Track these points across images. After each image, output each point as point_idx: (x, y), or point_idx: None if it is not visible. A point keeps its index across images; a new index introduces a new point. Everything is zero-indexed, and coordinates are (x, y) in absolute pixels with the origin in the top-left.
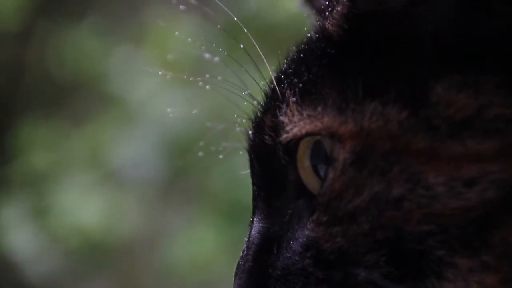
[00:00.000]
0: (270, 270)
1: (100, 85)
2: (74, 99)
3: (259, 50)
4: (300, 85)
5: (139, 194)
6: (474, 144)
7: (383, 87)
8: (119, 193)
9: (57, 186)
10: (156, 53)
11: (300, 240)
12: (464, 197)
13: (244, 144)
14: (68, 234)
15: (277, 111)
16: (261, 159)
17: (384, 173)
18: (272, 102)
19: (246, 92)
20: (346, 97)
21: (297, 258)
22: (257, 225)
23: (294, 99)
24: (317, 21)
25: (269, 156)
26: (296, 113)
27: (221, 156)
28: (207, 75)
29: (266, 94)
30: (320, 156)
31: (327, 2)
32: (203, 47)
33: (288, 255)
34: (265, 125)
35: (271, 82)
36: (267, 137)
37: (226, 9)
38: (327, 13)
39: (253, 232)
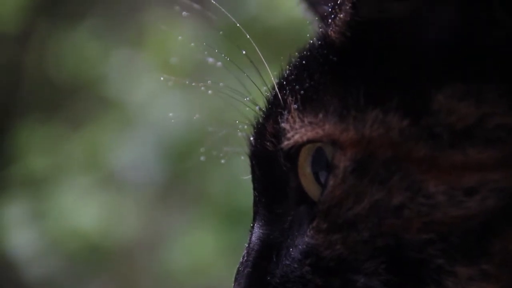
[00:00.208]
0: (269, 278)
1: (99, 88)
2: (73, 101)
3: (260, 54)
4: (302, 91)
5: (138, 197)
6: (475, 153)
7: (384, 95)
8: (118, 196)
9: (56, 189)
10: (155, 56)
11: (300, 247)
12: (464, 206)
13: (245, 149)
14: (67, 236)
15: (279, 117)
16: (262, 165)
17: (384, 181)
18: (274, 108)
19: (247, 98)
20: (348, 105)
21: (296, 265)
22: (257, 231)
23: (295, 105)
24: (320, 27)
25: (270, 162)
26: (297, 119)
27: (223, 161)
28: (208, 81)
29: (268, 100)
30: (321, 163)
31: (330, 9)
32: (203, 51)
33: (287, 262)
34: (266, 131)
35: (273, 88)
36: (268, 144)
37: (226, 12)
38: (330, 20)
39: (253, 238)
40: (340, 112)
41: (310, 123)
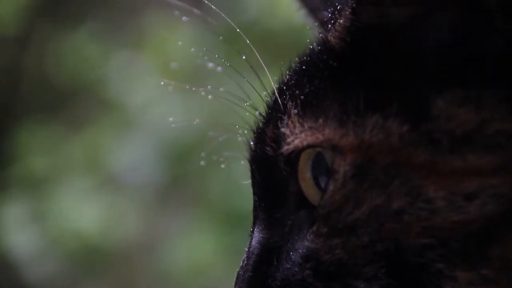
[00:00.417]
0: (269, 281)
1: (99, 91)
2: (73, 104)
3: (259, 58)
4: (302, 97)
5: (138, 199)
6: (474, 159)
7: (384, 100)
8: (117, 198)
9: (56, 190)
10: (155, 59)
11: (300, 251)
12: (464, 211)
13: (244, 153)
14: (66, 237)
15: (279, 122)
16: (262, 169)
17: (384, 186)
18: (274, 113)
19: (247, 103)
20: (348, 110)
21: (296, 269)
22: (257, 235)
23: (295, 110)
24: (320, 33)
25: (270, 167)
26: (297, 124)
27: (223, 166)
28: (207, 85)
29: (268, 105)
30: (321, 168)
31: (330, 14)
32: (203, 54)
33: (288, 266)
34: (266, 136)
35: (273, 93)
36: (268, 148)
37: (226, 17)
38: (329, 26)
39: (253, 242)
40: (340, 117)
41: (310, 128)
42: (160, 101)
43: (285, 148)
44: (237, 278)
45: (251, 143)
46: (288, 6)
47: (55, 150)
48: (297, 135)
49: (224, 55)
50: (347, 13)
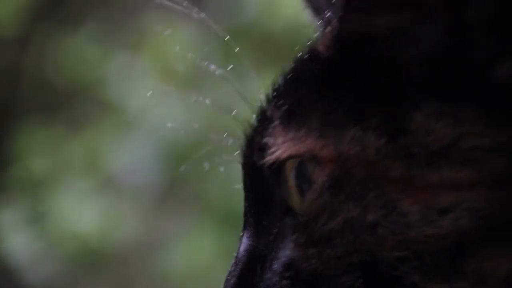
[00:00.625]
0: None
1: (98, 92)
2: (72, 105)
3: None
4: (288, 105)
5: (137, 201)
6: (451, 173)
7: (364, 112)
8: (116, 200)
9: (55, 192)
10: (154, 60)
11: (282, 259)
12: (437, 225)
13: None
14: (65, 240)
15: (264, 131)
16: (251, 176)
17: (360, 198)
18: (261, 122)
19: (245, 105)
20: (330, 121)
21: (277, 278)
22: (245, 242)
23: (279, 120)
24: (309, 40)
25: (258, 174)
26: (281, 134)
27: (221, 167)
28: (206, 87)
29: (257, 113)
30: (304, 177)
31: (320, 22)
32: (202, 56)
33: (269, 275)
34: (254, 144)
35: (261, 101)
36: (255, 156)
37: (225, 19)
38: (319, 34)
39: (241, 249)
40: (322, 128)
41: (293, 138)
42: (159, 102)
43: (267, 159)
44: (225, 283)
45: (243, 149)
46: (288, 7)
47: (55, 151)
48: (279, 146)
49: (223, 57)
50: (335, 21)
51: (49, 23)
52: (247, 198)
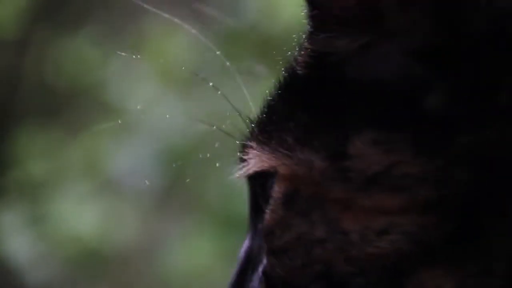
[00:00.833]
0: None
1: (98, 94)
2: (72, 107)
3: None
4: (264, 121)
5: (136, 203)
6: (382, 199)
7: (316, 133)
8: (116, 202)
9: (54, 194)
10: (154, 62)
11: (262, 265)
12: (376, 245)
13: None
14: (65, 242)
15: (244, 145)
16: (247, 180)
17: (307, 215)
18: (248, 135)
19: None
20: (289, 140)
21: (257, 281)
22: (245, 243)
23: (256, 133)
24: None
25: (250, 181)
26: (254, 149)
27: (220, 168)
28: (206, 89)
29: (247, 125)
30: (268, 191)
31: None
32: (202, 58)
33: (255, 277)
34: (244, 153)
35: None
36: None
37: (226, 21)
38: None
39: (242, 250)
40: (283, 146)
41: (260, 155)
42: (159, 105)
43: (240, 173)
44: (229, 283)
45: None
46: (288, 9)
47: (54, 154)
48: (250, 160)
49: (222, 60)
50: (306, 40)
51: (49, 25)
52: (248, 200)
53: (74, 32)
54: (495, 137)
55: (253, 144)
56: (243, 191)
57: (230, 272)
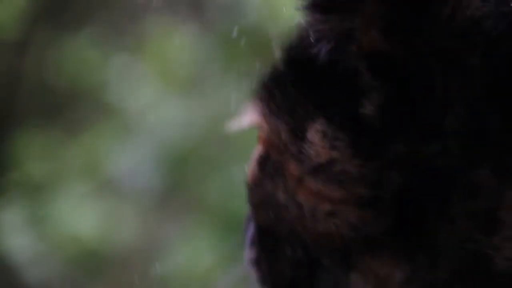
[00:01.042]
0: None
1: (98, 95)
2: (72, 108)
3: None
4: (264, 83)
5: (137, 204)
6: (325, 188)
7: (289, 107)
8: (116, 203)
9: (54, 195)
10: (154, 63)
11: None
12: (324, 225)
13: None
14: (65, 242)
15: (248, 100)
16: None
17: (274, 180)
18: (253, 91)
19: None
20: (272, 106)
21: (252, 230)
22: None
23: (256, 93)
24: None
25: None
26: (251, 106)
27: (220, 169)
28: (206, 90)
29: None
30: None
31: None
32: (202, 58)
33: (249, 229)
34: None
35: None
36: None
37: (225, 22)
38: None
39: None
40: (269, 110)
41: (253, 112)
42: (159, 105)
43: (237, 124)
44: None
45: None
46: (290, 10)
47: (54, 154)
48: (246, 114)
49: (223, 59)
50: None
51: (49, 26)
52: None
53: (75, 32)
54: (431, 152)
55: (253, 100)
56: (244, 191)
57: (230, 272)
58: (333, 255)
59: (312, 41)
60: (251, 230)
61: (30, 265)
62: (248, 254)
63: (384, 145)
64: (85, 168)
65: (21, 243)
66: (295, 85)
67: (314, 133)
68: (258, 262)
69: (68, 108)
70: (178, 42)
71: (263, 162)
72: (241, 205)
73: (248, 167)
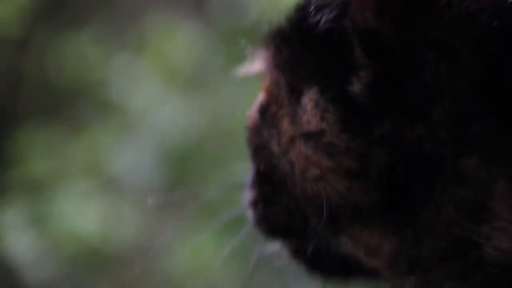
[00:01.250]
0: None
1: (99, 93)
2: (73, 106)
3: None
4: (275, 33)
5: (138, 202)
6: (314, 155)
7: (295, 64)
8: (118, 202)
9: (56, 194)
10: (156, 61)
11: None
12: (312, 187)
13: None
14: (66, 241)
15: (260, 46)
16: None
17: (270, 130)
18: (265, 39)
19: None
20: (277, 59)
21: (251, 173)
22: None
23: (268, 42)
24: None
25: None
26: (262, 52)
27: (222, 166)
28: (208, 88)
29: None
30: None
31: None
32: (204, 55)
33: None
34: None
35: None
36: None
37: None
38: None
39: None
40: (274, 61)
41: (262, 60)
42: (161, 104)
43: (246, 69)
44: None
45: None
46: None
47: (55, 153)
48: (256, 61)
49: (224, 58)
50: None
51: (50, 24)
52: None
53: (76, 31)
54: (418, 135)
55: (264, 48)
56: (244, 191)
57: (232, 271)
58: (321, 216)
59: (313, 9)
60: (251, 173)
61: (32, 264)
62: (246, 195)
63: (371, 123)
64: (87, 166)
65: (23, 242)
66: (299, 45)
67: (308, 100)
68: (255, 204)
69: (69, 107)
70: (179, 41)
71: (263, 110)
72: (242, 205)
73: (250, 111)
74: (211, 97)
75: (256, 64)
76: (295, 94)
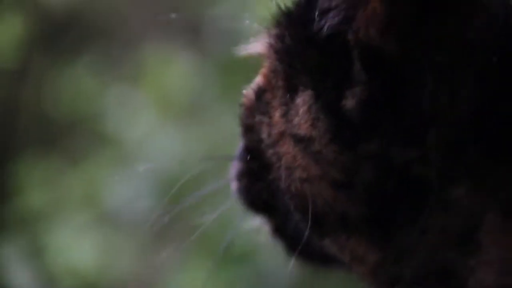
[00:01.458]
0: None
1: (96, 124)
2: (70, 138)
3: None
4: (278, 20)
5: (135, 235)
6: (303, 159)
7: (295, 55)
8: (114, 234)
9: (52, 226)
10: (152, 92)
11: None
12: (298, 187)
13: None
14: (63, 274)
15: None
16: None
17: (263, 116)
18: (270, 22)
19: None
20: (277, 47)
21: (242, 152)
22: None
23: (271, 27)
24: None
25: None
26: (263, 36)
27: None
28: (204, 119)
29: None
30: None
31: None
32: (200, 86)
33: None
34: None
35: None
36: None
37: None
38: None
39: None
40: (274, 49)
41: (261, 42)
42: (157, 134)
43: (246, 49)
44: None
45: None
46: None
47: (52, 185)
48: (257, 42)
49: (220, 88)
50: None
51: (47, 55)
52: None
53: (72, 61)
54: (407, 158)
55: (266, 31)
56: (241, 222)
57: None
58: (305, 214)
59: (317, 14)
60: (240, 146)
61: None
62: (233, 168)
63: (360, 140)
64: (84, 198)
65: (20, 275)
66: (301, 40)
67: (302, 102)
68: (240, 176)
69: (66, 138)
70: (175, 71)
71: (259, 94)
72: (238, 236)
73: (247, 90)
74: (207, 127)
75: (257, 46)
76: (291, 91)
